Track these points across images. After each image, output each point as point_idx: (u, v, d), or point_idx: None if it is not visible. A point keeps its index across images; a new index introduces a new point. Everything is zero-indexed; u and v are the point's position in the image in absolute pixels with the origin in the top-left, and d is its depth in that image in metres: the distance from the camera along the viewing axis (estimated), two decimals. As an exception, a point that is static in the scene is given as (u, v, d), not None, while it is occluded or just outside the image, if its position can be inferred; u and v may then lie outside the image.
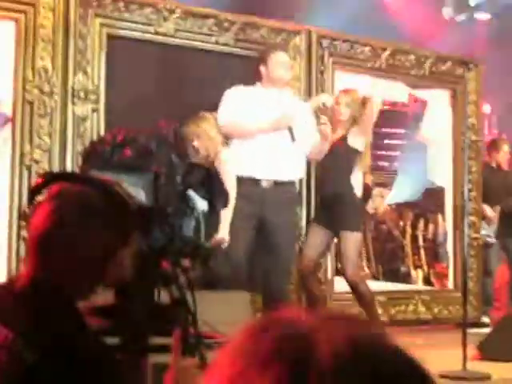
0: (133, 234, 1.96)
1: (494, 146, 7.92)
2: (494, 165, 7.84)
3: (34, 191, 2.04)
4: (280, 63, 5.61)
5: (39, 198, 2.01)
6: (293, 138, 5.38)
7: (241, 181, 5.33)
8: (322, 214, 5.97)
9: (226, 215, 5.02)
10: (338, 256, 6.10)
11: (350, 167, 5.82)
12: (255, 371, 0.83)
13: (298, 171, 5.69)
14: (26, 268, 1.89)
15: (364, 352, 0.84)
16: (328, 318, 0.90)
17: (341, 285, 6.26)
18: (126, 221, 1.93)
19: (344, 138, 5.85)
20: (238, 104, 5.46)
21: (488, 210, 7.59)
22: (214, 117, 5.42)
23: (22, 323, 1.74)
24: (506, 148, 7.98)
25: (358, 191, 5.89)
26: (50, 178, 2.04)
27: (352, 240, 5.75)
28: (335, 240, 6.01)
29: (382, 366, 0.84)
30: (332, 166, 5.82)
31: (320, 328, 0.86)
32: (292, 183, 5.64)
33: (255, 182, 5.43)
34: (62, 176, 2.21)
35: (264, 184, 5.44)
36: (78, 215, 1.87)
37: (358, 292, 5.75)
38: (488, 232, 7.54)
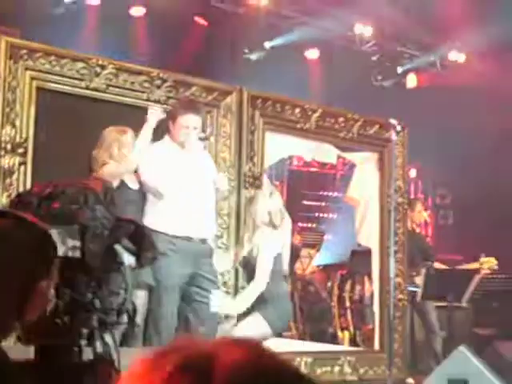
0: (53, 265, 1.91)
1: (409, 205, 7.98)
2: (412, 227, 7.96)
3: None
4: (185, 127, 5.60)
5: None
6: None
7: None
8: None
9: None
10: None
11: None
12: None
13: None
14: None
15: (263, 368, 0.86)
16: (228, 341, 0.92)
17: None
18: (45, 250, 1.89)
19: None
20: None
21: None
22: None
23: None
24: (419, 207, 8.12)
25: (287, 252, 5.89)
26: None
27: None
28: None
29: (280, 381, 0.86)
30: None
31: (221, 347, 0.89)
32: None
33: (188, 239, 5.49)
34: None
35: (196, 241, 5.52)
36: None
37: None
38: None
